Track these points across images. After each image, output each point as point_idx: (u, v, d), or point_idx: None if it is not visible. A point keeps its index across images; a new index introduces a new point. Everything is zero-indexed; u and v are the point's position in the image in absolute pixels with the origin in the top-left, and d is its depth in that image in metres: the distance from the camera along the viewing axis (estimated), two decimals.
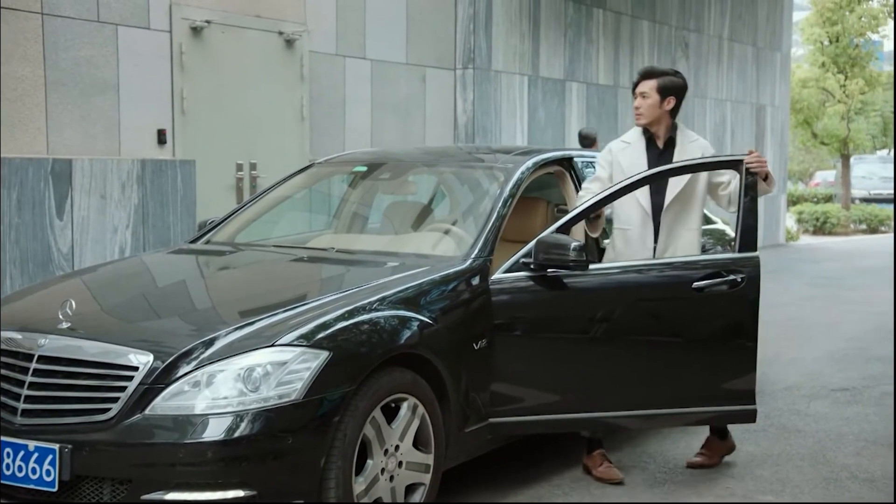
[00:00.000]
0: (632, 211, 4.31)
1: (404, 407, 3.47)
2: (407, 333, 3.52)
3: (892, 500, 4.04)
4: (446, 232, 4.46)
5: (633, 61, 12.19)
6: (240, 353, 3.15)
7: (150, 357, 3.13)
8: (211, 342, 3.20)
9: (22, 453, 3.09)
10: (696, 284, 4.08)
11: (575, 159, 4.95)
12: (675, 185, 4.29)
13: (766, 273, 9.20)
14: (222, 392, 3.08)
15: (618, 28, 11.87)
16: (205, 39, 7.22)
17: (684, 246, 4.29)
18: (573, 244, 3.88)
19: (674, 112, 4.36)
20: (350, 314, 3.40)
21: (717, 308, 4.13)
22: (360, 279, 3.84)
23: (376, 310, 3.49)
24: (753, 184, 4.20)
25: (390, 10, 8.89)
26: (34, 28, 6.16)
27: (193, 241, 4.81)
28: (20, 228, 6.01)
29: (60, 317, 3.35)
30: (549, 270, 3.96)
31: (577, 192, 4.82)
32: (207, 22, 7.19)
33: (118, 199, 6.59)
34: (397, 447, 3.44)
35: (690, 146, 4.36)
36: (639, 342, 4.13)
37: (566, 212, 5.00)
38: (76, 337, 3.27)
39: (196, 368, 3.11)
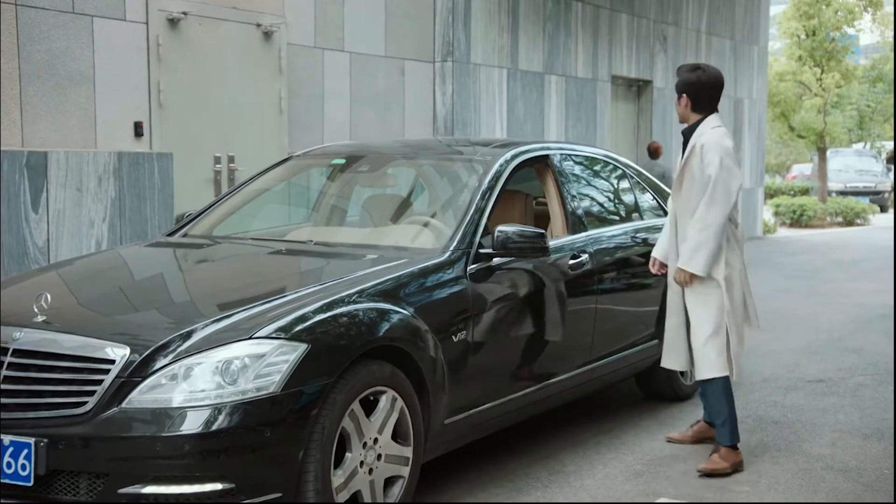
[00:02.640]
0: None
1: (383, 400, 3.46)
2: (385, 326, 3.51)
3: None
4: (425, 224, 4.46)
5: (612, 54, 12.22)
6: (217, 346, 3.14)
7: (127, 350, 3.11)
8: (188, 335, 3.18)
9: None
10: (570, 263, 4.57)
11: (553, 153, 4.96)
12: (678, 177, 4.48)
13: None
14: (200, 385, 3.06)
15: (596, 21, 11.88)
16: (182, 31, 7.17)
17: (688, 242, 4.35)
18: (532, 232, 4.04)
19: (696, 108, 4.43)
20: (328, 307, 3.40)
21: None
22: (338, 272, 3.83)
23: (355, 302, 3.48)
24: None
25: (369, 3, 8.86)
26: (8, 19, 6.09)
27: (171, 235, 4.78)
28: None
29: (36, 310, 3.33)
30: (494, 260, 4.09)
31: (556, 184, 4.84)
32: (184, 13, 7.14)
33: (94, 192, 6.54)
34: (376, 440, 3.44)
35: (693, 146, 4.39)
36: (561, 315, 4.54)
37: (545, 204, 5.03)
38: (52, 330, 3.25)
39: (173, 361, 3.09)
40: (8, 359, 3.18)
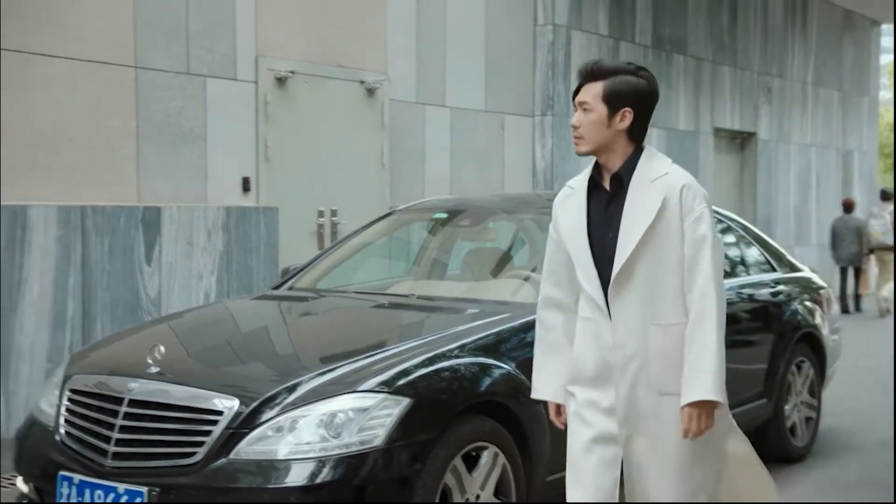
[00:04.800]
0: (586, 297, 2.87)
1: (485, 455, 3.44)
2: (487, 381, 3.50)
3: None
4: (526, 279, 4.45)
5: (714, 107, 12.08)
6: (322, 399, 3.18)
7: (236, 402, 3.17)
8: (294, 388, 3.23)
9: (112, 495, 3.15)
10: None
11: None
12: (626, 242, 2.76)
13: (860, 321, 8.91)
14: (305, 437, 3.10)
15: (698, 74, 11.78)
16: (289, 89, 7.40)
17: (660, 351, 2.74)
18: None
19: (634, 132, 2.82)
20: (430, 361, 3.41)
21: None
22: (440, 326, 3.85)
23: (456, 357, 3.49)
24: None
25: (470, 58, 8.99)
26: (128, 81, 6.40)
27: (276, 288, 4.88)
28: (111, 274, 6.19)
29: (149, 361, 3.43)
30: None
31: None
32: (292, 72, 7.37)
33: (204, 245, 6.75)
34: (478, 496, 3.41)
35: (652, 188, 2.77)
36: None
37: None
38: (164, 381, 3.34)
39: (279, 414, 3.14)
40: (124, 408, 3.28)
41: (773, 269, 5.59)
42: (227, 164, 6.99)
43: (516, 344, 3.73)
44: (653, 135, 11.01)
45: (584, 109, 2.84)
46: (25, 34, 5.80)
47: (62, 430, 3.45)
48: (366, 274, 5.29)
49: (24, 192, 5.79)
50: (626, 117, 2.80)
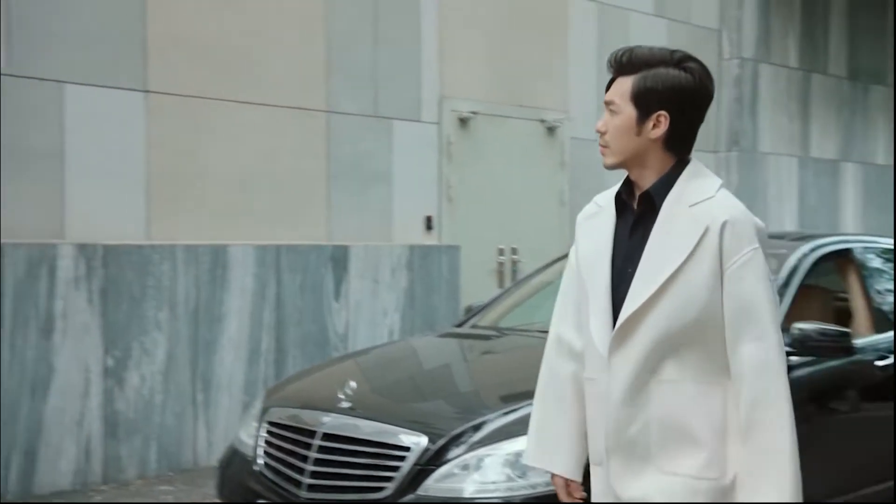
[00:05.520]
0: (592, 350, 2.28)
1: None
2: None
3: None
4: None
5: None
6: (508, 439, 3.18)
7: (424, 439, 3.22)
8: (479, 426, 3.26)
9: None
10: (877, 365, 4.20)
11: (855, 246, 4.67)
12: (644, 281, 2.16)
13: None
14: (490, 476, 3.11)
15: None
16: (471, 129, 7.53)
17: (664, 414, 2.14)
18: (835, 330, 3.85)
19: (673, 142, 2.23)
20: None
21: None
22: None
23: None
24: None
25: None
26: (320, 125, 6.70)
27: (459, 325, 4.94)
28: (303, 311, 6.46)
29: (341, 396, 3.54)
30: (791, 359, 3.80)
31: (860, 280, 4.53)
32: (474, 113, 7.50)
33: (389, 282, 6.94)
34: None
35: (688, 216, 2.16)
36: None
37: (845, 300, 4.71)
38: (355, 416, 3.44)
39: (466, 452, 3.17)
40: (317, 441, 3.40)
41: None
42: (411, 203, 7.18)
43: None
44: (847, 169, 10.50)
45: (611, 111, 2.24)
46: (230, 84, 6.19)
47: (260, 461, 3.60)
48: (547, 313, 5.23)
49: (225, 233, 6.15)
50: (660, 123, 2.19)
